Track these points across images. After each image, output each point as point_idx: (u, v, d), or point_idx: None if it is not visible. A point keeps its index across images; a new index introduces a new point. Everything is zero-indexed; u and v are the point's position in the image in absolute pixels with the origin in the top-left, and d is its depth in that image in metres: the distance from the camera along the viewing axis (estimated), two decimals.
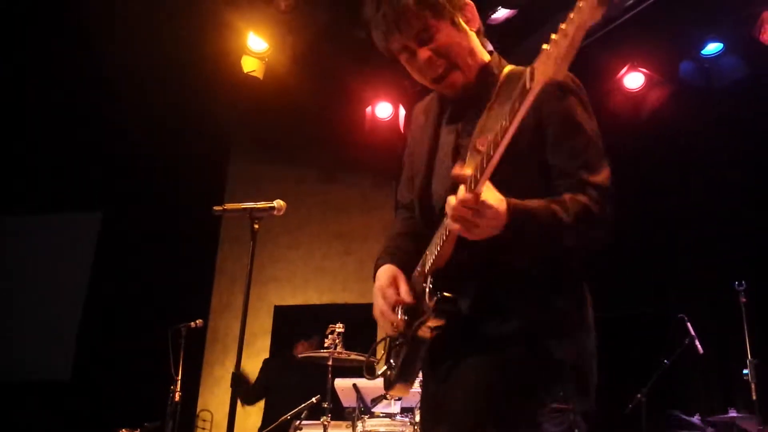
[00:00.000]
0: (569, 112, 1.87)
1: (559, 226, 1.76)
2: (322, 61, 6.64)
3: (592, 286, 2.08)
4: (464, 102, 2.01)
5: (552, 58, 1.44)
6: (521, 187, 1.79)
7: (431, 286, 1.91)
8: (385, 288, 2.06)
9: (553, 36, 1.45)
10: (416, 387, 2.27)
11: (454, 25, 1.95)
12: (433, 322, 1.95)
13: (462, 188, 1.66)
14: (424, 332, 1.99)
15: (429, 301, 1.91)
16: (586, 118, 1.90)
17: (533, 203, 1.76)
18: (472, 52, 1.99)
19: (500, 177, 1.66)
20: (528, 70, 1.49)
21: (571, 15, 1.41)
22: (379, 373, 2.21)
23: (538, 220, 1.74)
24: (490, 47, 2.12)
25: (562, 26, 1.42)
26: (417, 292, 2.04)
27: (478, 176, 1.63)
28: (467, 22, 1.99)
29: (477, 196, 1.63)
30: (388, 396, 4.81)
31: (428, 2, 1.90)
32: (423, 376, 2.18)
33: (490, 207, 1.65)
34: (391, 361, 2.16)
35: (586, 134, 1.87)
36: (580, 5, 1.39)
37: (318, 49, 6.43)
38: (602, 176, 1.84)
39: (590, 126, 1.89)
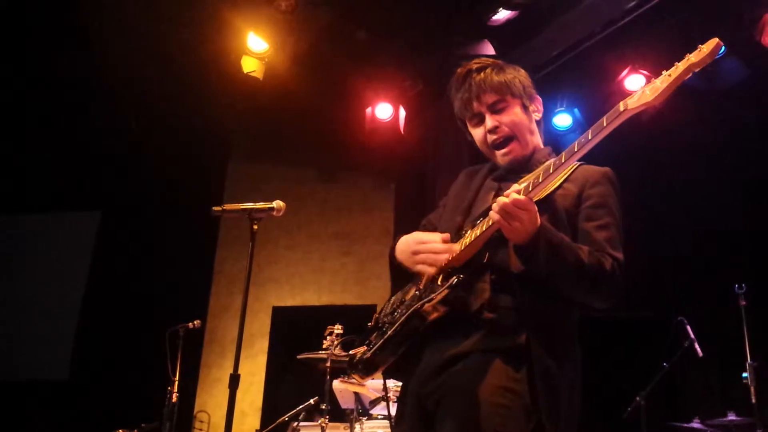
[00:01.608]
0: (606, 196, 2.15)
1: (578, 262, 1.95)
2: (323, 62, 6.63)
3: None
4: (512, 171, 2.27)
5: (648, 95, 1.81)
6: None
7: (449, 271, 2.03)
8: (432, 237, 2.18)
9: (655, 79, 1.83)
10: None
11: (524, 108, 2.30)
12: (437, 308, 2.00)
13: (515, 190, 1.92)
14: (426, 315, 2.03)
15: (442, 282, 2.01)
16: (617, 206, 2.17)
17: (562, 234, 2.00)
18: (532, 132, 2.32)
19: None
20: (622, 102, 1.86)
21: (678, 64, 1.77)
22: (351, 351, 2.23)
23: (562, 248, 1.95)
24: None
25: (665, 72, 1.80)
26: (426, 283, 2.13)
27: (539, 180, 1.93)
28: (533, 112, 2.35)
29: (529, 199, 1.90)
30: (383, 397, 4.80)
31: (508, 84, 2.28)
32: (407, 371, 2.18)
33: (535, 211, 1.90)
34: (371, 342, 2.16)
35: (614, 218, 2.13)
36: (699, 50, 1.76)
37: (318, 49, 6.42)
38: (618, 253, 2.06)
39: (618, 214, 2.16)
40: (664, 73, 1.79)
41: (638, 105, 1.83)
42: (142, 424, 5.61)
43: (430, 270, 2.08)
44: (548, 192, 2.08)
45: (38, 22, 6.69)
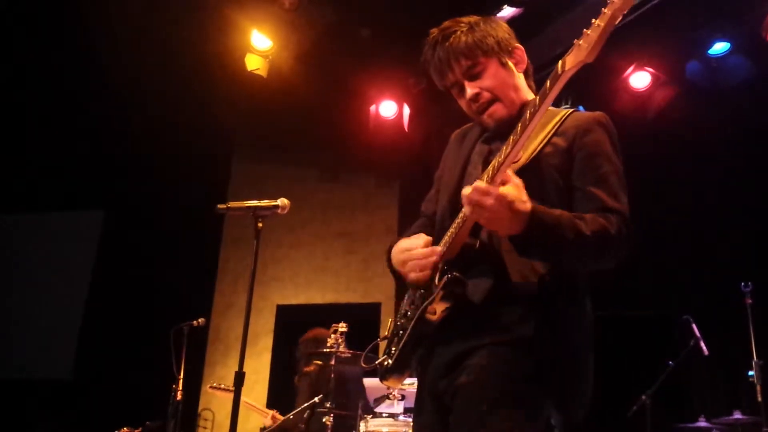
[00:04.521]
0: (600, 144, 2.03)
1: (579, 237, 1.85)
2: (327, 60, 6.62)
3: (598, 286, 2.08)
4: (501, 130, 2.14)
5: (583, 48, 1.73)
6: (548, 204, 1.92)
7: (444, 267, 1.99)
8: (415, 243, 2.13)
9: (586, 29, 1.74)
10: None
11: (502, 64, 2.16)
12: (440, 305, 1.99)
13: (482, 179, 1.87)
14: (431, 315, 2.02)
15: (438, 281, 1.98)
16: (614, 152, 2.05)
17: (558, 211, 1.89)
18: (516, 89, 2.17)
19: (529, 193, 1.85)
20: (559, 62, 1.76)
21: (605, 9, 1.68)
22: (377, 362, 2.23)
23: (561, 228, 1.85)
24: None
25: (594, 21, 1.70)
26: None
27: (499, 163, 1.85)
28: (516, 64, 2.20)
29: (491, 185, 1.81)
30: (389, 395, 4.79)
31: (478, 44, 2.12)
32: (421, 367, 2.17)
33: (500, 195, 1.78)
34: (392, 349, 2.17)
35: (613, 165, 2.02)
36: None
37: (322, 47, 6.41)
38: (622, 204, 1.96)
39: (616, 160, 2.04)
40: (594, 22, 1.71)
41: (574, 64, 1.76)
42: (147, 423, 5.61)
43: (421, 275, 2.05)
44: (535, 152, 1.99)
45: (40, 20, 6.69)
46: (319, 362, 5.57)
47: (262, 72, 6.32)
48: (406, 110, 6.92)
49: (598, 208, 1.93)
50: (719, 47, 6.13)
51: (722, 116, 6.48)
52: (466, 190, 1.83)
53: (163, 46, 6.53)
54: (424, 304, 2.02)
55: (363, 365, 2.40)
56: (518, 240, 1.85)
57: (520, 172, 1.93)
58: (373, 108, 6.97)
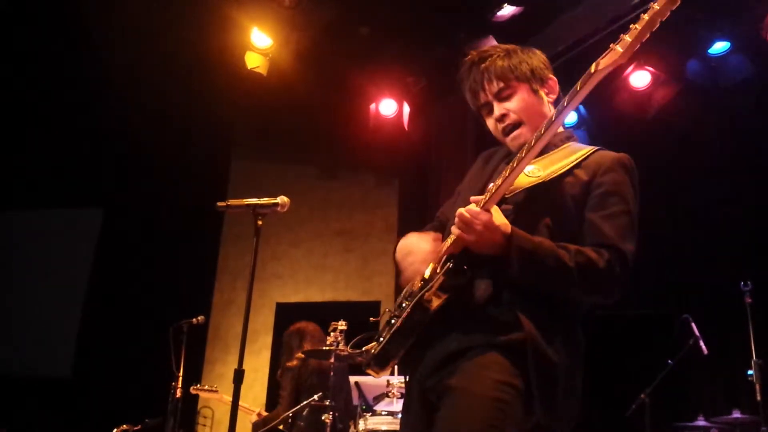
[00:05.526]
0: (618, 184, 2.06)
1: (560, 266, 1.91)
2: (326, 58, 6.61)
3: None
4: None
5: (617, 51, 1.83)
6: (566, 233, 2.00)
7: (445, 257, 2.03)
8: (424, 236, 2.23)
9: (623, 34, 1.85)
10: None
11: (533, 91, 2.23)
12: (438, 296, 2.00)
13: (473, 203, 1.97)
14: (427, 304, 2.02)
15: (440, 269, 2.00)
16: (632, 195, 2.07)
17: (539, 239, 1.96)
18: (543, 116, 2.17)
19: (537, 211, 2.02)
20: (594, 63, 1.86)
21: (644, 15, 1.78)
22: (364, 348, 2.23)
23: (539, 254, 1.92)
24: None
25: (633, 25, 1.81)
26: (431, 273, 2.11)
27: (515, 164, 1.95)
28: (547, 94, 2.27)
29: (482, 209, 1.93)
30: (388, 392, 4.79)
31: (512, 68, 2.21)
32: (411, 363, 2.17)
33: (485, 220, 1.91)
34: (381, 337, 2.16)
35: (626, 206, 2.04)
36: (655, 6, 1.76)
37: (322, 45, 6.40)
38: (624, 244, 1.98)
39: (632, 203, 2.06)
40: (632, 26, 1.79)
41: (609, 64, 1.83)
42: (146, 420, 5.61)
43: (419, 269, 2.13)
44: (556, 173, 2.05)
45: (40, 16, 6.68)
46: (302, 355, 5.58)
47: (262, 70, 6.31)
48: (406, 109, 6.91)
49: (596, 243, 1.97)
50: (719, 46, 6.12)
51: (722, 115, 6.48)
52: (461, 210, 1.94)
53: (163, 44, 6.52)
54: (423, 290, 2.02)
55: (348, 350, 2.43)
56: (495, 261, 1.93)
57: (536, 188, 2.01)
58: (372, 106, 6.96)
